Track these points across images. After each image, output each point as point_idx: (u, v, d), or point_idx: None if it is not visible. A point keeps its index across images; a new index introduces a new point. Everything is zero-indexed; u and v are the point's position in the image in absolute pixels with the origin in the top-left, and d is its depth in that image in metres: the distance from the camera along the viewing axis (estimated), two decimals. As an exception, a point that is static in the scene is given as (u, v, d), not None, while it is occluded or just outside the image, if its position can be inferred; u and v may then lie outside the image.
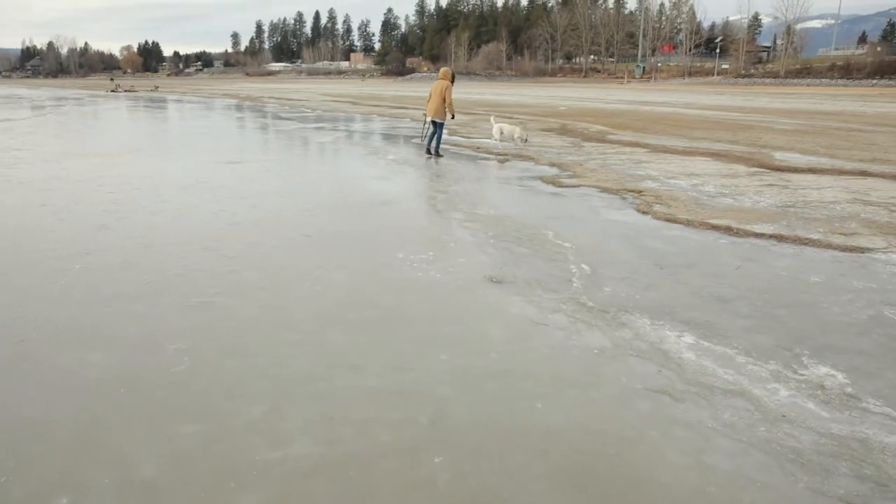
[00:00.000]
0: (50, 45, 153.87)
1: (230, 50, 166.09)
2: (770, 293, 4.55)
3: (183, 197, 8.14)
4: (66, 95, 47.19)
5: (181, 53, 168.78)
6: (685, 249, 5.71)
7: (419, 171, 10.52)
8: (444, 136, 12.94)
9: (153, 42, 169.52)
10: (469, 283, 4.70)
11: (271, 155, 13.40)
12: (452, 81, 12.31)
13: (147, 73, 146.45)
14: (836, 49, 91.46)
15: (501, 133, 13.52)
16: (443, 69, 12.66)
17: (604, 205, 7.72)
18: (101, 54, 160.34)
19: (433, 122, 12.23)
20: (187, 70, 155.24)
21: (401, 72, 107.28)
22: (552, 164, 11.07)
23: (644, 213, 7.21)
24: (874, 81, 59.34)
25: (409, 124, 20.24)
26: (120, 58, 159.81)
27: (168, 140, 16.61)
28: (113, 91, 52.84)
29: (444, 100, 11.95)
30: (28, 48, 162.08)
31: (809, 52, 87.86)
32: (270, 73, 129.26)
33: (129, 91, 53.80)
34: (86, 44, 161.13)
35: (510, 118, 19.96)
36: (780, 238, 6.05)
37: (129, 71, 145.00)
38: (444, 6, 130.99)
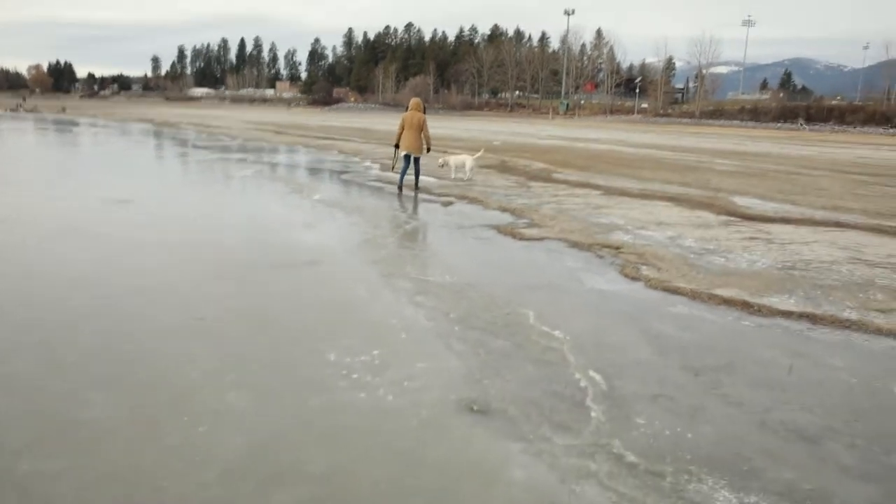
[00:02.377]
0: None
1: (150, 74, 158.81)
2: (860, 420, 3.25)
3: (43, 250, 6.20)
4: (-48, 115, 42.59)
5: (97, 75, 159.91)
6: (709, 339, 4.38)
7: (350, 216, 8.91)
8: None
9: (66, 62, 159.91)
10: (439, 416, 3.12)
11: (175, 191, 11.45)
12: (424, 112, 11.47)
13: (58, 93, 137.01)
14: (743, 93, 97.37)
15: (468, 166, 12.79)
16: (414, 100, 11.62)
17: (580, 266, 6.37)
18: (5, 72, 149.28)
19: (407, 157, 11.20)
20: (103, 92, 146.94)
21: (327, 101, 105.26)
22: (503, 209, 9.73)
23: (633, 278, 5.89)
24: (778, 125, 63.23)
25: (337, 157, 18.61)
26: (27, 77, 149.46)
27: (54, 170, 14.24)
28: (13, 110, 48.40)
29: (423, 133, 11.16)
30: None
31: (719, 94, 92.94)
32: (192, 99, 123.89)
33: (31, 111, 49.38)
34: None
35: (445, 152, 18.72)
36: (812, 319, 4.84)
37: (37, 91, 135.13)
38: (371, 39, 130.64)
